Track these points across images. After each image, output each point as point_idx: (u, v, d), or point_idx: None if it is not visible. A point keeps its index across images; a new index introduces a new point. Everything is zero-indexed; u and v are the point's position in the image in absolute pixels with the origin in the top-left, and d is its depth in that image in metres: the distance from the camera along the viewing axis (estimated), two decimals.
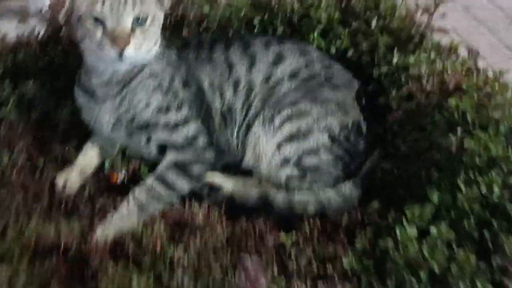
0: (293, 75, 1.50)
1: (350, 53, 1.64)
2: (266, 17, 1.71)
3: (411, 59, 1.42)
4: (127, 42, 1.29)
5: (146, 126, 1.46)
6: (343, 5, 1.73)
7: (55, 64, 1.62)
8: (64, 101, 1.58)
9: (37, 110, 1.52)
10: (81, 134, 1.60)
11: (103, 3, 1.31)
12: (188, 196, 1.49)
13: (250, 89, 1.50)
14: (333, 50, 1.65)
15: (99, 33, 1.31)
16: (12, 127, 1.51)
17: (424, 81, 1.33)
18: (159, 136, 1.46)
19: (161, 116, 1.45)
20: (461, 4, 2.62)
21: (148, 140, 1.47)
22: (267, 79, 1.50)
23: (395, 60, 1.47)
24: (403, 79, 1.43)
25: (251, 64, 1.51)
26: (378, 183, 1.45)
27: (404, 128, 1.44)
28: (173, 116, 1.45)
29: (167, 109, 1.45)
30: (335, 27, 1.67)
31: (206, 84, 1.50)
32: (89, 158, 1.55)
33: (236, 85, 1.50)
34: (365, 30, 1.64)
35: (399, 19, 1.62)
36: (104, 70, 1.43)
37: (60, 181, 1.49)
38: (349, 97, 1.51)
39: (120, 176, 1.50)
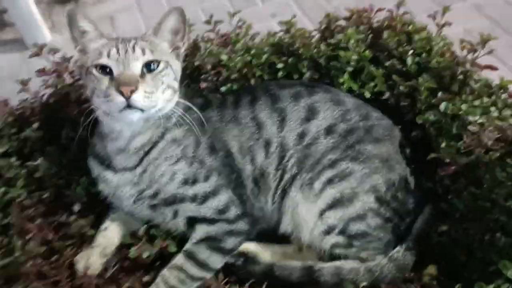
0: (329, 131, 1.35)
1: (386, 96, 1.49)
2: (290, 60, 1.56)
3: (463, 106, 1.27)
4: (135, 88, 1.17)
5: (173, 201, 1.32)
6: (372, 40, 1.57)
7: (63, 136, 1.46)
8: (76, 174, 1.42)
9: (48, 188, 1.37)
10: (98, 208, 1.46)
11: (110, 49, 1.22)
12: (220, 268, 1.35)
13: (283, 150, 1.35)
14: (367, 94, 1.49)
15: (106, 81, 1.21)
16: (23, 209, 1.36)
17: (482, 135, 1.17)
18: (187, 210, 1.32)
19: (188, 189, 1.31)
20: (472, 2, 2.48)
21: (175, 214, 1.33)
22: (300, 137, 1.35)
23: (442, 107, 1.31)
24: (454, 129, 1.27)
25: (282, 121, 1.36)
26: (433, 246, 1.30)
27: (458, 182, 1.29)
28: (201, 188, 1.31)
29: (194, 180, 1.31)
30: (366, 67, 1.52)
31: (234, 149, 1.36)
32: (109, 237, 1.40)
33: (267, 146, 1.35)
34: (400, 70, 1.49)
35: (437, 54, 1.46)
36: (119, 133, 1.31)
37: (80, 265, 1.35)
38: (392, 150, 1.36)
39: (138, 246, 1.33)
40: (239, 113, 1.38)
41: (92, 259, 1.35)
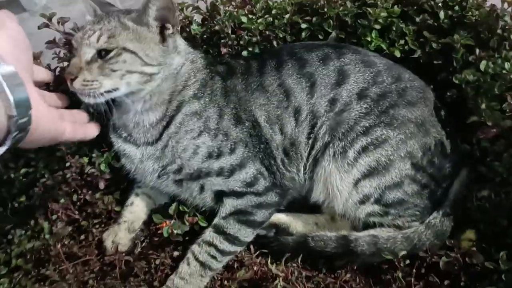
0: (361, 96, 1.28)
1: (417, 54, 1.41)
2: (314, 20, 1.46)
3: (506, 65, 1.19)
4: (74, 77, 1.16)
5: (198, 176, 1.27)
6: None
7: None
8: (98, 150, 1.37)
9: (71, 166, 1.32)
10: (123, 184, 1.42)
11: (78, 32, 1.23)
12: (253, 241, 1.33)
13: (314, 118, 1.28)
14: (397, 53, 1.41)
15: None
16: (47, 190, 1.32)
17: None
18: (214, 184, 1.27)
19: (213, 163, 1.26)
20: None
21: (202, 189, 1.29)
22: (332, 104, 1.28)
23: (482, 66, 1.23)
24: (496, 90, 1.20)
25: (311, 87, 1.29)
26: (472, 211, 1.26)
27: (497, 144, 1.23)
28: (227, 161, 1.26)
29: (219, 153, 1.26)
30: (395, 23, 1.42)
31: (262, 119, 1.29)
32: (136, 212, 1.37)
33: (297, 115, 1.29)
34: (432, 25, 1.40)
35: (473, 7, 1.36)
36: (128, 105, 1.27)
37: (108, 242, 1.33)
38: (426, 113, 1.29)
39: (170, 224, 1.30)
40: (265, 80, 1.31)
41: (120, 235, 1.34)
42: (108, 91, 1.17)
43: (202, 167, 1.26)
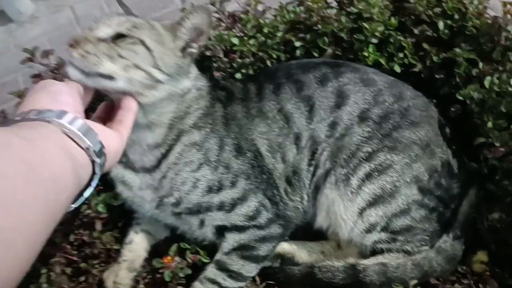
0: (362, 118, 1.22)
1: (417, 68, 1.35)
2: (308, 37, 1.41)
3: None
4: (77, 46, 1.04)
5: (198, 211, 1.22)
6: (397, 4, 1.41)
7: None
8: None
9: None
10: (121, 221, 1.38)
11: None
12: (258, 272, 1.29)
13: (314, 143, 1.23)
14: (397, 68, 1.35)
15: None
16: None
17: None
18: (215, 219, 1.23)
19: (213, 197, 1.21)
20: None
21: (202, 223, 1.24)
22: (332, 128, 1.23)
23: (487, 83, 1.18)
24: (503, 108, 1.15)
25: (310, 111, 1.24)
26: (483, 231, 1.22)
27: (506, 161, 1.18)
28: (228, 195, 1.21)
29: (220, 187, 1.21)
30: (393, 36, 1.37)
31: (263, 148, 1.24)
32: (136, 250, 1.32)
33: (297, 141, 1.24)
34: (431, 36, 1.34)
35: (473, 16, 1.31)
36: None
37: (109, 283, 1.29)
38: (431, 132, 1.24)
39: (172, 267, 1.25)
40: (264, 105, 1.26)
41: (121, 275, 1.29)
42: (103, 76, 1.05)
43: (202, 201, 1.21)
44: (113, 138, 0.97)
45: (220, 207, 1.21)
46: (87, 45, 1.04)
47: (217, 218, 1.22)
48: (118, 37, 1.08)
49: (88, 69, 1.04)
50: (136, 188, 1.25)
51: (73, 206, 0.88)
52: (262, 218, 1.23)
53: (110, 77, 1.06)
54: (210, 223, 1.23)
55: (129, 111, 1.07)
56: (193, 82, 1.23)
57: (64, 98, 0.92)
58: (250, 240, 1.22)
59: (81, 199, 0.88)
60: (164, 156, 1.21)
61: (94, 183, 0.90)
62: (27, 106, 0.87)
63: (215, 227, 1.23)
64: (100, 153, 0.87)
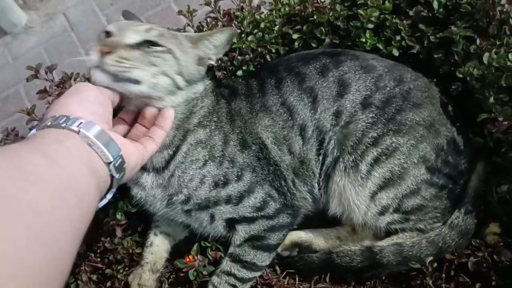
0: (365, 105, 1.25)
1: (415, 50, 1.37)
2: (305, 29, 1.42)
3: (510, 55, 1.15)
4: (111, 51, 1.05)
5: (206, 206, 1.25)
6: None
7: None
8: None
9: None
10: (140, 225, 1.42)
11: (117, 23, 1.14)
12: (278, 261, 1.33)
13: (320, 134, 1.26)
14: (395, 52, 1.37)
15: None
16: None
17: None
18: (224, 212, 1.25)
19: (220, 191, 1.24)
20: None
21: (212, 218, 1.27)
22: (337, 116, 1.25)
23: (485, 59, 1.20)
24: (503, 82, 1.17)
25: (313, 102, 1.26)
26: (493, 204, 1.25)
27: (510, 134, 1.21)
28: (234, 188, 1.24)
29: (226, 182, 1.23)
30: (389, 20, 1.38)
31: (269, 140, 1.27)
32: (157, 252, 1.36)
33: (303, 132, 1.26)
34: (427, 17, 1.36)
35: None
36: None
37: (134, 286, 1.33)
38: (434, 112, 1.26)
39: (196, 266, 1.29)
40: (268, 100, 1.28)
41: (145, 277, 1.33)
42: (131, 80, 1.08)
43: (210, 196, 1.24)
44: (133, 154, 1.00)
45: (228, 200, 1.24)
46: (120, 51, 1.06)
47: (226, 211, 1.25)
48: (146, 44, 1.11)
49: (120, 74, 1.06)
50: (148, 187, 1.27)
51: None
52: (270, 209, 1.26)
53: (137, 82, 1.09)
54: (220, 217, 1.26)
55: (166, 120, 1.14)
56: (204, 85, 1.27)
57: (95, 108, 0.95)
58: (260, 230, 1.26)
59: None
60: (172, 157, 1.24)
61: (109, 196, 0.94)
62: (58, 110, 0.91)
63: (225, 220, 1.26)
64: (120, 168, 0.90)
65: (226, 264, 1.25)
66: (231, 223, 1.27)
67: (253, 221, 1.26)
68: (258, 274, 1.28)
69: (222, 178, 1.24)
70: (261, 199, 1.25)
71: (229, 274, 1.24)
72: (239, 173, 1.24)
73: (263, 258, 1.26)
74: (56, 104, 0.93)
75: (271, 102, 1.29)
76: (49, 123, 0.87)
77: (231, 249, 1.27)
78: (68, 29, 2.94)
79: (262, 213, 1.26)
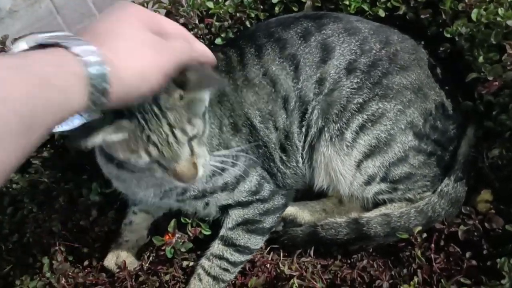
0: (350, 70, 1.17)
1: (401, 11, 1.30)
2: None
3: (500, 10, 1.08)
4: (195, 172, 0.98)
5: (203, 195, 1.19)
6: None
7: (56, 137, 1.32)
8: (84, 174, 1.30)
9: (58, 196, 1.25)
10: (116, 203, 1.36)
11: (148, 149, 0.93)
12: None
13: (303, 104, 1.19)
14: (381, 13, 1.30)
15: (157, 169, 0.99)
16: (38, 222, 1.27)
17: None
18: (219, 199, 1.20)
19: (217, 180, 1.17)
20: None
21: (206, 205, 1.22)
22: (320, 84, 1.18)
23: (474, 15, 1.13)
24: (492, 39, 1.10)
25: (295, 70, 1.19)
26: (484, 170, 1.19)
27: (501, 95, 1.14)
28: (230, 174, 1.18)
29: (222, 168, 1.16)
30: None
31: (257, 120, 1.20)
32: (137, 230, 1.32)
33: (286, 103, 1.19)
34: None
35: None
36: None
37: (112, 265, 1.28)
38: (422, 75, 1.20)
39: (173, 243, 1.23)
40: (249, 72, 1.20)
41: (123, 256, 1.28)
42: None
43: (207, 187, 1.18)
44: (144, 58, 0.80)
45: (224, 188, 1.19)
46: (197, 160, 0.98)
47: (221, 198, 1.20)
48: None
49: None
50: (134, 185, 1.18)
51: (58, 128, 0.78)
52: (265, 191, 1.21)
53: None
54: (215, 203, 1.21)
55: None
56: None
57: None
58: (254, 214, 1.21)
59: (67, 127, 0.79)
60: None
61: (86, 115, 0.79)
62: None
63: (219, 206, 1.21)
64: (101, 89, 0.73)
65: (218, 248, 1.20)
66: (225, 208, 1.22)
67: (247, 205, 1.21)
68: (250, 257, 1.23)
69: (218, 165, 1.17)
70: (256, 182, 1.20)
71: (221, 258, 1.19)
72: (234, 158, 1.18)
73: (257, 242, 1.22)
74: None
75: (253, 73, 1.20)
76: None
77: (222, 232, 1.22)
78: (53, 12, 2.86)
79: (257, 197, 1.21)
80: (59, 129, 0.77)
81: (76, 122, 0.79)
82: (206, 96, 0.99)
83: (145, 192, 1.17)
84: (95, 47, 0.72)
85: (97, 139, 0.84)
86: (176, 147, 0.93)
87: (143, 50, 0.79)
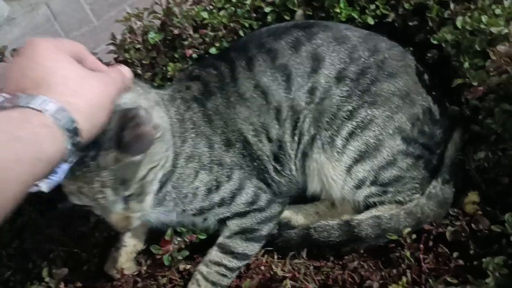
0: (340, 78, 1.21)
1: (390, 18, 1.34)
2: (277, 1, 1.39)
3: (483, 18, 1.12)
4: (127, 224, 1.11)
5: (200, 212, 1.24)
6: None
7: None
8: None
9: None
10: None
11: (81, 198, 1.03)
12: None
13: (295, 113, 1.22)
14: (370, 21, 1.34)
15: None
16: (38, 228, 1.30)
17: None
18: (217, 214, 1.25)
19: (213, 197, 1.22)
20: None
21: (205, 220, 1.27)
22: (311, 94, 1.22)
23: (459, 23, 1.16)
24: (477, 46, 1.14)
25: (287, 80, 1.22)
26: (471, 173, 1.22)
27: (487, 100, 1.17)
28: (226, 189, 1.22)
29: (218, 185, 1.21)
30: None
31: (250, 134, 1.23)
32: (135, 235, 1.34)
33: (278, 114, 1.23)
34: None
35: None
36: None
37: (111, 270, 1.31)
38: (410, 81, 1.23)
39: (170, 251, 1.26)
40: (241, 86, 1.23)
41: (122, 260, 1.32)
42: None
43: (204, 204, 1.22)
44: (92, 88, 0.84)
45: (221, 203, 1.22)
46: (132, 214, 1.10)
47: (219, 212, 1.24)
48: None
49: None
50: None
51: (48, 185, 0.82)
52: (262, 201, 1.25)
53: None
54: (213, 218, 1.25)
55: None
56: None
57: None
58: (252, 223, 1.24)
59: (58, 178, 0.83)
60: (164, 184, 1.19)
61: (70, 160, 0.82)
62: (12, 84, 0.81)
63: (217, 220, 1.26)
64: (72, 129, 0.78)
65: (215, 255, 1.24)
66: (223, 221, 1.26)
67: (245, 215, 1.25)
68: (247, 261, 1.26)
69: (214, 182, 1.22)
70: (252, 193, 1.24)
71: (219, 264, 1.22)
72: (229, 173, 1.22)
73: (255, 249, 1.26)
74: (10, 73, 0.83)
75: (245, 87, 1.23)
76: (9, 105, 0.77)
77: (220, 240, 1.26)
78: (51, 19, 2.90)
79: (254, 207, 1.25)
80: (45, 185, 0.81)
81: (62, 173, 0.83)
82: (148, 159, 1.05)
83: None
84: (47, 97, 0.76)
85: None
86: (105, 203, 1.02)
87: (89, 82, 0.83)
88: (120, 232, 1.15)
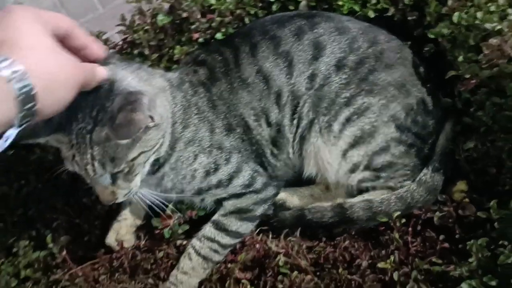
0: (339, 67, 1.26)
1: (390, 12, 1.39)
2: None
3: (478, 14, 1.18)
4: (112, 199, 1.16)
5: (198, 193, 1.29)
6: None
7: None
8: None
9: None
10: None
11: (73, 164, 1.09)
12: None
13: (294, 98, 1.28)
14: (371, 14, 1.39)
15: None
16: (42, 198, 1.34)
17: (503, 45, 1.10)
18: (214, 194, 1.30)
19: (211, 179, 1.27)
20: None
21: (202, 200, 1.32)
22: (311, 80, 1.27)
23: (455, 18, 1.22)
24: (471, 41, 1.19)
25: (289, 66, 1.27)
26: (461, 162, 1.27)
27: (478, 93, 1.23)
28: (224, 172, 1.27)
29: (216, 168, 1.26)
30: None
31: (251, 119, 1.28)
32: (135, 209, 1.39)
33: (278, 99, 1.28)
34: None
35: None
36: None
37: (112, 241, 1.36)
38: (406, 73, 1.29)
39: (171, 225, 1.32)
40: (244, 72, 1.28)
41: (122, 233, 1.36)
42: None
43: (202, 186, 1.27)
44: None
45: (218, 185, 1.28)
46: (118, 190, 1.15)
47: (216, 193, 1.29)
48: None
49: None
50: None
51: None
52: (258, 184, 1.30)
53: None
54: (211, 198, 1.31)
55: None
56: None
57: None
58: (247, 204, 1.30)
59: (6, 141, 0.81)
60: (162, 165, 1.24)
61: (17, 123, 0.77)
62: None
63: (215, 200, 1.31)
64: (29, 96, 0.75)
65: (209, 231, 1.28)
66: (220, 201, 1.31)
67: (241, 196, 1.30)
68: (240, 240, 1.31)
69: (212, 165, 1.26)
70: (249, 176, 1.29)
71: (212, 240, 1.27)
72: (227, 156, 1.27)
73: (248, 227, 1.31)
74: None
75: (247, 73, 1.28)
76: None
77: (216, 217, 1.31)
78: (57, 5, 2.93)
79: (250, 189, 1.30)
80: None
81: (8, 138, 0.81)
82: (142, 143, 1.10)
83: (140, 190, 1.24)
84: (10, 59, 0.72)
85: (38, 141, 1.04)
86: (93, 175, 1.08)
87: (57, 57, 0.81)
88: (106, 204, 1.19)
